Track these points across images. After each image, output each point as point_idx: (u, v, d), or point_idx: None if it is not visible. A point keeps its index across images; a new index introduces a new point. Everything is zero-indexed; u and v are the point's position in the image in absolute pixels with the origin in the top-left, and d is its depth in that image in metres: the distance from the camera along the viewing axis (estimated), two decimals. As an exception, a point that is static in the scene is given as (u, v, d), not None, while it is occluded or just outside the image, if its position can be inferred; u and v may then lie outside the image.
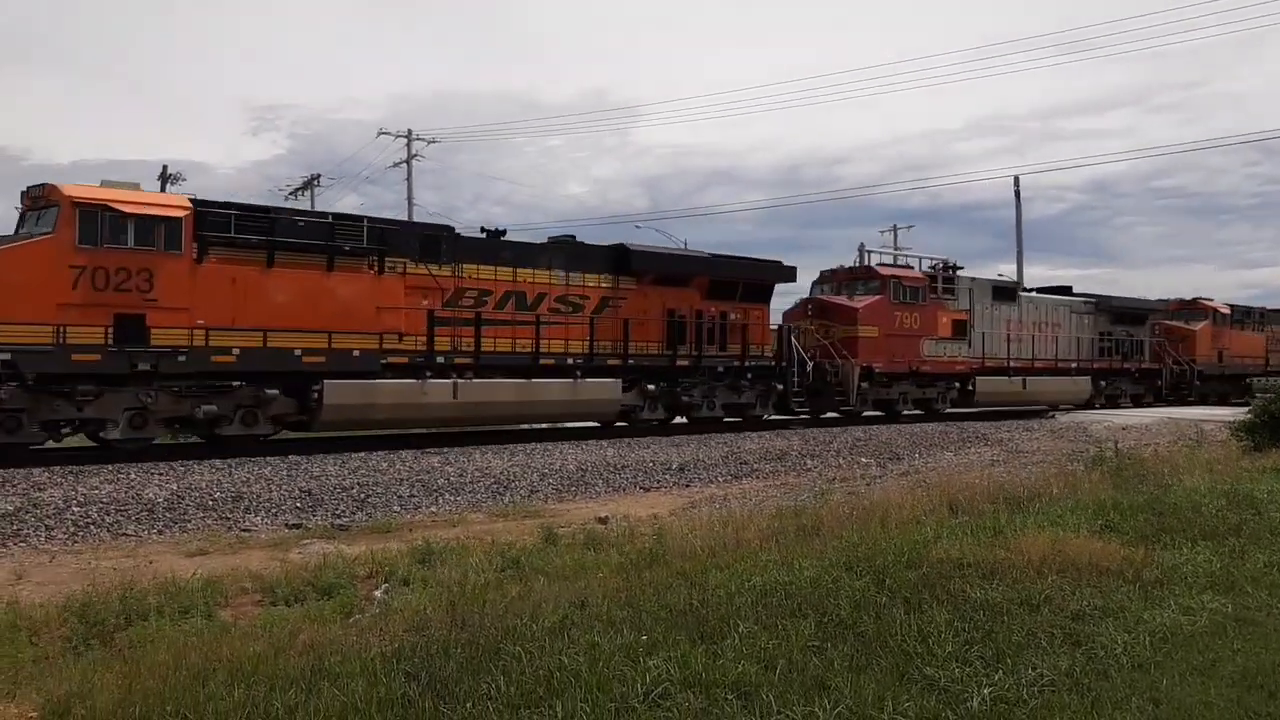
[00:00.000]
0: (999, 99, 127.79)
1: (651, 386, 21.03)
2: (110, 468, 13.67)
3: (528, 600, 6.68)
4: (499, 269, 19.01)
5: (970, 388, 27.79)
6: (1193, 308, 38.84)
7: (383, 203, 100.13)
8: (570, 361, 19.61)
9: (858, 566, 7.26)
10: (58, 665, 6.17)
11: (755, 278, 23.22)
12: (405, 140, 46.64)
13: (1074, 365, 31.59)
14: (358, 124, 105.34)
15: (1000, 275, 32.75)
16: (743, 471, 17.01)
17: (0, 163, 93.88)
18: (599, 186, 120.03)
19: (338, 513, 12.32)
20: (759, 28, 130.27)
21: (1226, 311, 39.58)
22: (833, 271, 27.22)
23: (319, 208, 42.32)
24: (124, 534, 10.89)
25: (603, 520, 11.88)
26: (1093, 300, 33.46)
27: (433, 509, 12.99)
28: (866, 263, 27.82)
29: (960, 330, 27.58)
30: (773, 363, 23.30)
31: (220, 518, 11.68)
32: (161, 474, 13.38)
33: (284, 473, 14.01)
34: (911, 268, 27.80)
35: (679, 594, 6.50)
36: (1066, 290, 34.21)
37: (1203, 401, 35.84)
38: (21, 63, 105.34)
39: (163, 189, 34.07)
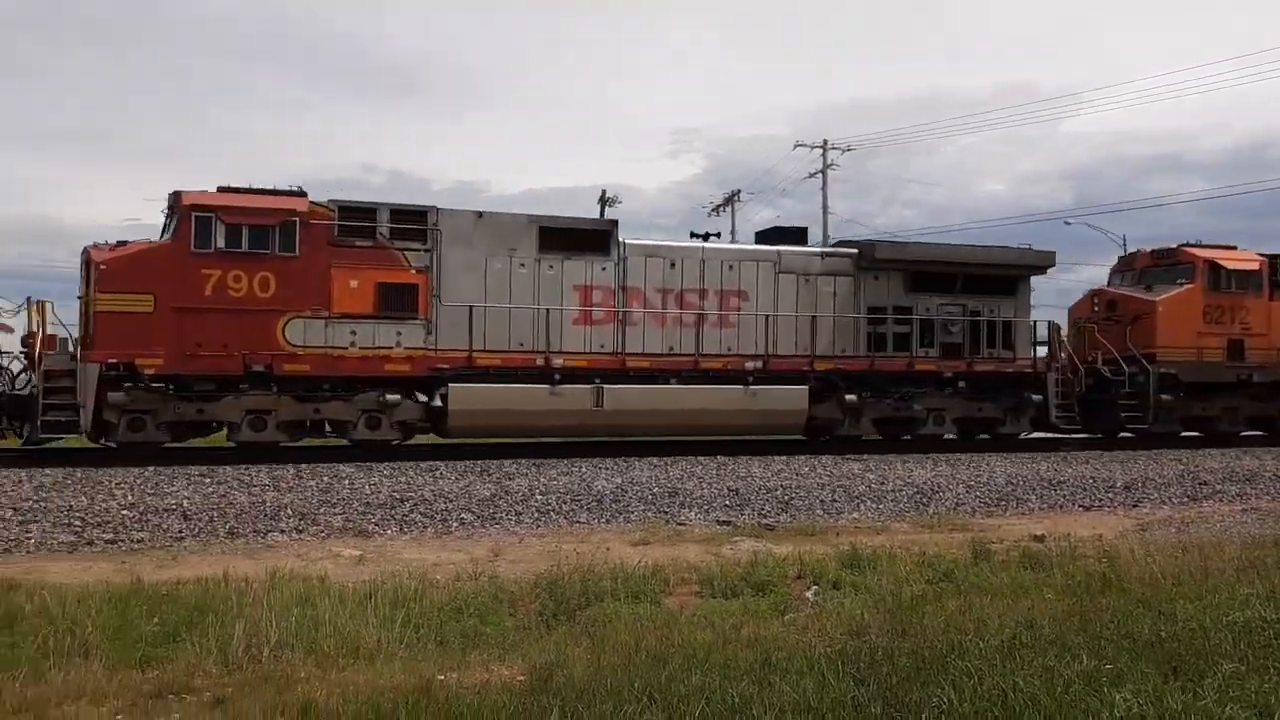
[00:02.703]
0: None
1: None
2: (565, 461, 15.18)
3: (968, 615, 6.46)
4: None
5: (441, 403, 15.87)
6: (1172, 261, 21.28)
7: (794, 213, 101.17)
8: None
9: (1369, 609, 6.22)
10: (533, 635, 6.93)
11: None
12: (820, 151, 47.14)
13: (753, 366, 17.45)
14: (769, 139, 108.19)
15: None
16: (1201, 493, 15.21)
17: (467, 194, 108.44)
18: (1018, 183, 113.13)
19: (764, 512, 12.71)
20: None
21: (1252, 266, 21.01)
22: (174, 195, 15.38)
23: (739, 223, 43.95)
24: (577, 521, 12.03)
25: (1039, 538, 11.18)
26: (849, 252, 18.79)
27: (854, 515, 12.98)
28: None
29: (401, 301, 15.83)
30: None
31: (659, 511, 12.52)
32: (608, 469, 14.65)
33: (714, 471, 14.76)
34: (300, 193, 15.59)
35: (1142, 623, 5.97)
36: (798, 236, 19.62)
37: (1203, 432, 20.94)
38: (468, 109, 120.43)
39: (602, 212, 37.24)
